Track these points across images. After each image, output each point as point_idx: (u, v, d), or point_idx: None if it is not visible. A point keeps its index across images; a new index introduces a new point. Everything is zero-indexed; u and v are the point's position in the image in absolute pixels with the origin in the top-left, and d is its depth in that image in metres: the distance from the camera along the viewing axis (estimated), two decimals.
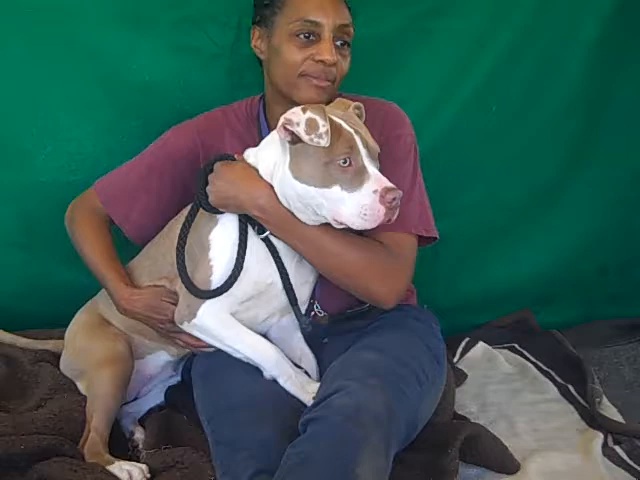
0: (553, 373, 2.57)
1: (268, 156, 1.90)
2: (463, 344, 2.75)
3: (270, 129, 2.09)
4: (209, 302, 1.93)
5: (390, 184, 1.74)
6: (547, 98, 2.72)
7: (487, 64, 2.65)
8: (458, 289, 2.82)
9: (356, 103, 1.93)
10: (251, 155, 1.96)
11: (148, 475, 1.94)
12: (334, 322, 2.12)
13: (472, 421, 2.21)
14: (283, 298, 1.98)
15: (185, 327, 1.98)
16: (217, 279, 1.91)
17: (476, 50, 2.63)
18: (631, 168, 2.87)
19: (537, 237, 2.87)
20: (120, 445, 2.11)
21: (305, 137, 1.74)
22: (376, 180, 1.75)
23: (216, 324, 1.95)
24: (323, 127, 1.73)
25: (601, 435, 2.16)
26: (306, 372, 2.01)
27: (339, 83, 2.07)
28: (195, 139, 2.17)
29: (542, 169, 2.78)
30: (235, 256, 1.90)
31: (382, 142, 1.93)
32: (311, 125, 1.74)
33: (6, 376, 2.31)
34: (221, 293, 1.90)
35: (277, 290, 1.97)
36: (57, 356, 2.35)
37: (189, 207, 2.02)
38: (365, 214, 1.74)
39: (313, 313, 2.11)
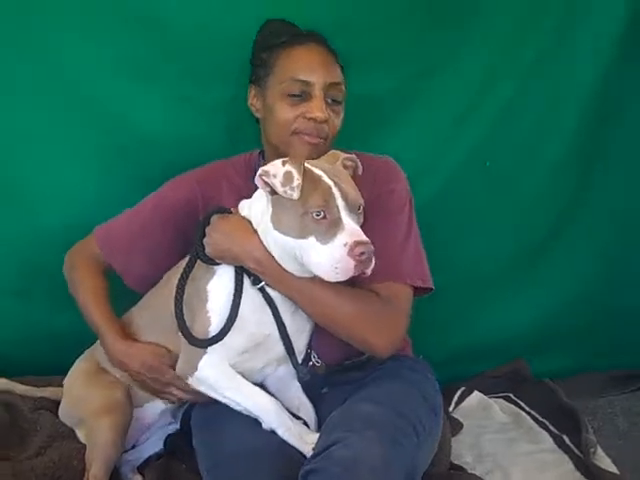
0: (548, 423, 2.58)
1: (258, 208, 1.94)
2: (458, 393, 2.76)
3: None
4: (209, 355, 1.95)
5: (361, 237, 1.75)
6: (540, 154, 2.78)
7: (481, 121, 2.71)
8: (453, 340, 2.85)
9: (348, 155, 1.96)
10: (245, 207, 2.01)
11: None
12: (332, 373, 2.13)
13: (468, 472, 2.23)
14: (280, 348, 2.00)
15: (189, 382, 1.99)
16: (215, 330, 1.94)
17: (470, 108, 2.69)
18: (621, 225, 2.93)
19: (530, 290, 2.91)
20: None
21: (280, 189, 1.78)
22: (349, 233, 1.76)
23: (217, 376, 1.96)
24: (296, 181, 1.77)
25: None
26: (305, 422, 2.02)
27: (332, 140, 2.12)
28: (195, 190, 2.21)
29: (534, 224, 2.84)
30: (231, 306, 1.93)
31: (374, 197, 2.01)
32: (287, 178, 1.78)
33: (6, 423, 2.31)
34: (218, 340, 1.92)
35: (274, 340, 1.99)
36: (56, 403, 2.35)
37: (187, 258, 2.04)
38: (336, 267, 1.76)
39: (311, 363, 2.13)
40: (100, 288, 2.22)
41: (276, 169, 1.80)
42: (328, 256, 1.77)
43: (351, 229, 1.77)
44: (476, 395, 2.76)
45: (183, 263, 2.05)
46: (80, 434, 2.21)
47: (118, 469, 2.17)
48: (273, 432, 1.93)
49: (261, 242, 1.91)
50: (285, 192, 1.78)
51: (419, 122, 2.67)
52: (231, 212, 2.02)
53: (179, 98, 2.52)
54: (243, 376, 1.98)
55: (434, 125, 2.68)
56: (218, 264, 1.97)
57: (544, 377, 2.85)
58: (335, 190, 1.80)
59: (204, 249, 1.97)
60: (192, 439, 2.10)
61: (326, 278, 1.80)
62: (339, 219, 1.78)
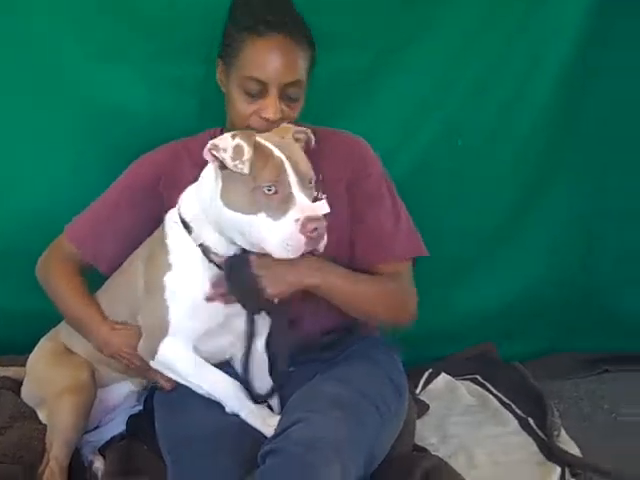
0: (514, 406, 2.58)
1: (207, 187, 1.89)
2: (426, 375, 2.76)
3: None
4: (169, 337, 1.93)
5: (314, 213, 1.72)
6: (511, 131, 2.76)
7: (452, 99, 2.70)
8: (420, 321, 2.74)
9: (299, 128, 1.92)
10: (192, 191, 1.96)
11: None
12: (300, 351, 2.10)
13: (432, 453, 2.22)
14: (242, 325, 1.97)
15: (151, 364, 1.98)
16: (173, 317, 1.92)
17: (441, 85, 2.68)
18: (594, 201, 2.92)
19: (500, 269, 2.89)
20: (79, 474, 2.09)
21: (230, 164, 1.73)
22: (300, 209, 1.72)
23: (177, 359, 1.95)
24: (247, 154, 1.73)
25: (559, 468, 2.18)
26: (269, 405, 2.01)
27: None
28: (159, 169, 2.18)
29: (504, 201, 2.82)
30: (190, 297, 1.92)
31: (353, 183, 2.08)
32: (238, 152, 1.73)
33: None
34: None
35: (235, 319, 1.96)
36: (18, 383, 2.33)
37: (148, 240, 2.04)
38: (287, 244, 1.73)
39: None
40: (77, 285, 2.17)
41: (226, 143, 1.74)
42: (279, 232, 1.73)
43: (303, 204, 1.73)
44: (443, 377, 2.76)
45: (145, 246, 2.05)
46: (41, 415, 2.19)
47: (79, 450, 2.15)
48: (236, 415, 1.92)
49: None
50: (235, 166, 1.73)
51: (390, 100, 2.64)
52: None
53: (150, 77, 2.49)
54: (210, 355, 1.98)
55: (405, 103, 2.65)
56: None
57: (513, 360, 2.86)
58: (287, 164, 1.76)
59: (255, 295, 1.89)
60: (154, 420, 2.08)
61: (276, 255, 1.76)
62: (291, 194, 1.74)
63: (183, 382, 1.97)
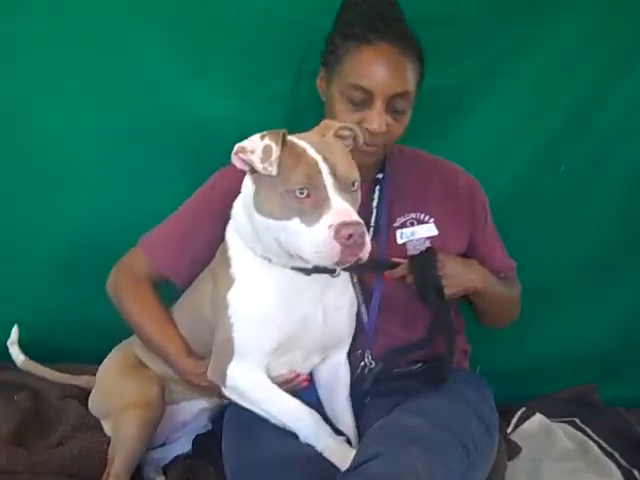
0: (617, 455, 2.35)
1: (244, 195, 1.81)
2: (518, 414, 2.54)
3: None
4: (236, 360, 1.82)
5: (350, 218, 1.56)
6: (618, 160, 2.56)
7: (555, 121, 2.52)
8: (515, 353, 2.63)
9: (343, 124, 1.79)
10: (239, 200, 1.87)
11: None
12: (378, 381, 1.97)
13: None
14: (314, 334, 1.85)
15: (224, 391, 1.86)
16: (239, 334, 1.81)
17: (544, 106, 2.50)
18: None
19: (602, 305, 2.67)
20: None
21: (259, 166, 1.62)
22: (335, 213, 1.57)
23: (248, 385, 1.83)
24: (274, 154, 1.61)
25: None
26: (347, 437, 1.86)
27: (391, 145, 1.99)
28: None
29: (609, 234, 2.62)
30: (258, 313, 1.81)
31: (473, 228, 2.10)
32: (267, 152, 1.61)
33: (30, 410, 2.23)
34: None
35: (306, 328, 1.84)
36: (86, 393, 2.27)
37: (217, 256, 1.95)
38: (319, 251, 1.58)
39: (363, 363, 2.00)
40: (154, 307, 2.08)
41: (254, 144, 1.64)
42: (312, 239, 1.59)
43: (339, 209, 1.58)
44: (538, 417, 2.53)
45: (214, 259, 1.96)
46: (106, 427, 2.12)
47: (141, 467, 2.06)
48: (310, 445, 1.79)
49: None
50: (265, 169, 1.62)
51: (484, 122, 2.48)
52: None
53: (236, 87, 2.42)
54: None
55: (500, 125, 2.49)
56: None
57: (615, 405, 2.63)
58: (322, 165, 1.62)
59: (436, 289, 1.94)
60: (222, 441, 1.97)
61: (313, 263, 1.64)
62: (326, 198, 1.59)
63: (257, 411, 1.84)
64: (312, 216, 1.58)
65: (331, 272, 1.80)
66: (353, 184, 1.65)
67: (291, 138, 1.68)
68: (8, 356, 2.44)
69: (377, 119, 1.87)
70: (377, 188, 2.04)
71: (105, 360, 2.23)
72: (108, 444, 2.00)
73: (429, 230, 2.01)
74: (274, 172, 1.61)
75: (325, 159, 1.62)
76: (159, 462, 2.13)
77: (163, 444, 2.16)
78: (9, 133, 2.48)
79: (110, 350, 2.26)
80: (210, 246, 2.00)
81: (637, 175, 2.58)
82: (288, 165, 1.62)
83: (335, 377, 1.96)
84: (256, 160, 1.62)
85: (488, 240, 2.14)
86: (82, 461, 1.98)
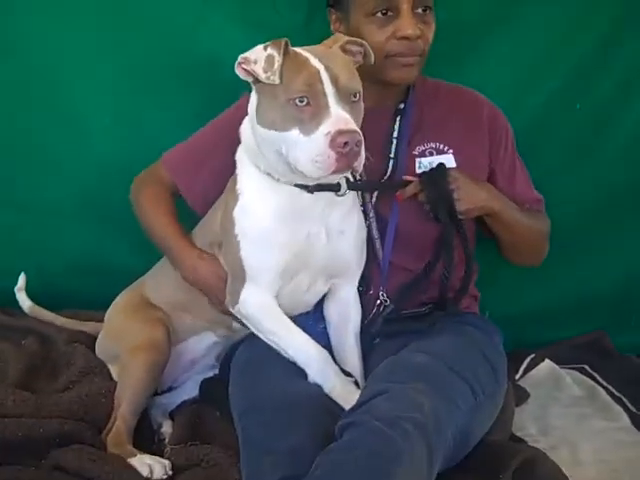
0: (626, 400, 2.33)
1: (250, 108, 1.81)
2: (527, 360, 2.52)
3: None
4: (249, 283, 1.83)
5: (346, 126, 1.56)
6: (636, 97, 2.49)
7: (574, 58, 2.45)
8: (525, 298, 2.58)
9: (353, 39, 1.78)
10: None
11: (170, 472, 1.81)
12: (388, 321, 1.97)
13: (530, 444, 2.01)
14: (320, 256, 1.86)
15: (235, 312, 1.90)
16: (246, 254, 1.83)
17: (564, 42, 2.43)
18: None
19: (617, 246, 2.61)
20: (147, 437, 1.99)
21: (262, 75, 1.63)
22: (333, 122, 1.57)
23: (259, 312, 1.86)
24: (277, 62, 1.60)
25: None
26: (355, 379, 1.85)
27: (427, 52, 1.95)
28: None
29: (623, 173, 2.55)
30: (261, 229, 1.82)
31: (493, 152, 2.07)
32: (270, 62, 1.62)
33: (38, 355, 2.24)
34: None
35: (311, 248, 1.84)
36: (93, 338, 2.27)
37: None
38: (317, 160, 1.58)
39: (379, 302, 1.99)
40: (167, 209, 2.12)
41: (257, 54, 1.64)
42: (308, 148, 1.60)
43: (337, 117, 1.58)
44: (547, 364, 2.52)
45: (227, 187, 1.97)
46: (113, 371, 2.12)
47: (148, 411, 2.06)
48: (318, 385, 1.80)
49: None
50: (268, 78, 1.62)
51: (508, 53, 2.42)
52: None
53: (248, 22, 2.37)
54: (292, 299, 1.90)
55: (523, 58, 2.42)
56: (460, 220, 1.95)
57: (627, 352, 2.59)
58: (324, 74, 1.62)
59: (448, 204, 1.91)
60: (229, 385, 1.95)
61: (308, 174, 1.63)
62: (326, 107, 1.59)
63: (267, 341, 1.86)
64: (311, 125, 1.59)
65: (335, 190, 1.80)
66: (355, 95, 1.65)
67: (295, 48, 1.67)
68: (16, 303, 2.46)
69: (409, 24, 1.85)
70: (398, 118, 2.02)
71: (113, 302, 2.24)
72: (115, 389, 2.00)
73: (447, 161, 1.98)
74: (277, 80, 1.62)
75: (327, 68, 1.62)
76: (166, 407, 2.12)
77: (170, 389, 2.16)
78: (21, 78, 2.47)
79: (115, 297, 2.25)
80: (226, 170, 2.00)
81: None
82: (290, 74, 1.62)
83: (345, 316, 1.97)
84: (259, 70, 1.63)
85: (510, 169, 2.11)
86: (89, 405, 1.96)
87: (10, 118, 2.52)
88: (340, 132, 1.54)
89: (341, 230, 1.87)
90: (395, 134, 2.01)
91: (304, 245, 1.83)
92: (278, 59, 1.61)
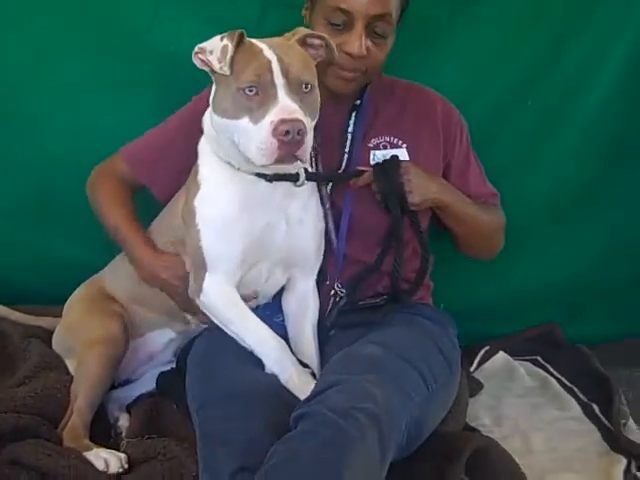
0: (577, 390, 2.38)
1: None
2: (482, 353, 2.56)
3: None
4: (210, 273, 1.85)
5: (290, 115, 1.59)
6: (586, 96, 2.53)
7: (527, 57, 2.49)
8: (479, 292, 2.62)
9: (316, 33, 1.81)
10: None
11: (126, 465, 1.81)
12: (343, 312, 1.99)
13: (484, 434, 2.04)
14: (279, 245, 1.88)
15: (198, 303, 1.90)
16: (207, 242, 1.85)
17: (518, 42, 2.47)
18: None
19: (567, 241, 2.67)
20: (103, 431, 1.99)
21: (216, 65, 1.67)
22: (278, 111, 1.60)
23: (220, 301, 1.87)
24: (229, 53, 1.65)
25: (624, 460, 1.99)
26: (312, 370, 1.87)
27: (375, 71, 1.98)
28: None
29: (574, 169, 2.60)
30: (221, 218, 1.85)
31: (451, 134, 2.10)
32: (224, 52, 1.66)
33: None
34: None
35: (270, 237, 1.86)
36: (49, 333, 2.25)
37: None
38: (261, 148, 1.62)
39: (333, 292, 2.01)
40: (125, 202, 2.12)
41: (213, 44, 1.68)
42: (254, 137, 1.63)
43: (283, 106, 1.61)
44: (501, 356, 2.57)
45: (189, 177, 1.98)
46: (70, 364, 2.10)
47: (105, 405, 2.06)
48: (274, 375, 1.81)
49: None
50: (221, 68, 1.66)
51: (463, 50, 2.46)
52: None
53: (206, 15, 2.36)
54: (251, 288, 1.92)
55: (478, 55, 2.47)
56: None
57: (578, 343, 2.63)
58: (275, 64, 1.65)
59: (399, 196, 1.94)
60: (186, 378, 1.96)
61: (255, 162, 1.67)
62: (274, 96, 1.63)
63: (227, 331, 1.87)
64: (258, 114, 1.62)
65: (294, 180, 1.83)
66: (306, 86, 1.67)
67: (252, 40, 1.70)
68: None
69: (357, 42, 1.87)
70: (354, 114, 2.04)
71: (72, 295, 2.23)
72: (71, 383, 1.99)
73: (401, 154, 2.00)
74: (227, 71, 1.65)
75: (280, 60, 1.65)
76: (123, 401, 2.12)
77: (127, 382, 2.16)
78: None
79: (72, 291, 2.24)
80: (186, 162, 2.00)
81: (607, 112, 2.55)
82: (241, 64, 1.65)
83: (303, 308, 1.98)
84: (214, 60, 1.67)
85: (464, 164, 2.13)
86: (44, 399, 1.95)
87: None
88: (283, 121, 1.57)
89: (300, 219, 1.89)
90: (350, 129, 2.03)
91: (263, 234, 1.85)
92: (231, 50, 1.63)
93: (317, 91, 1.72)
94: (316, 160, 2.00)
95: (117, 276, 2.13)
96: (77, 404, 1.92)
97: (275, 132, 1.58)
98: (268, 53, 1.66)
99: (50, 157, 2.50)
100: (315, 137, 1.81)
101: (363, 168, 1.99)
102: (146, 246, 2.00)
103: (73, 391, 1.96)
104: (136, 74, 2.44)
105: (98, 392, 1.96)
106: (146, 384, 2.16)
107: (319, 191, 1.99)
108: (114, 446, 1.91)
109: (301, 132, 1.59)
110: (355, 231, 2.00)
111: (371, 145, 2.04)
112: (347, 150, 2.02)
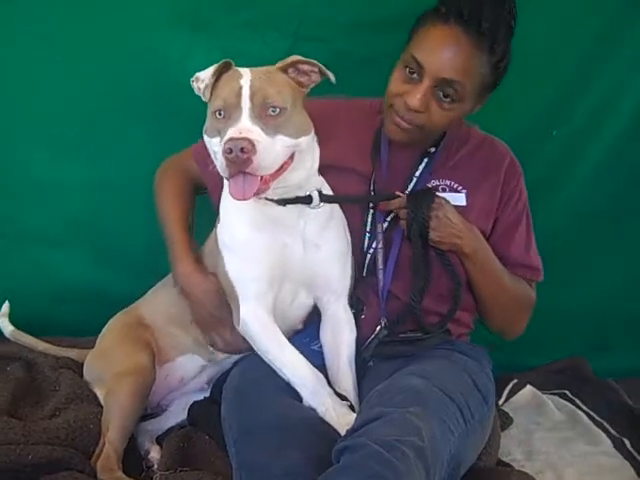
0: (607, 424, 2.36)
1: None
2: (510, 386, 2.56)
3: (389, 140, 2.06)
4: (243, 300, 1.88)
5: (239, 135, 1.63)
6: (611, 126, 2.56)
7: (552, 88, 2.53)
8: None
9: (308, 60, 1.83)
10: None
11: None
12: (382, 344, 1.98)
13: (519, 470, 2.01)
14: (296, 264, 1.90)
15: (242, 333, 1.92)
16: (233, 268, 1.91)
17: (541, 73, 2.49)
18: None
19: (596, 275, 2.68)
20: (134, 464, 1.97)
21: (199, 92, 1.79)
22: (232, 131, 1.65)
23: (256, 330, 1.88)
24: (208, 80, 1.76)
25: None
26: (349, 403, 1.85)
27: (434, 130, 1.97)
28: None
29: (602, 201, 2.62)
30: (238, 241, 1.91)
31: (505, 193, 2.07)
32: (206, 80, 1.78)
33: (24, 381, 2.21)
34: None
35: (288, 257, 1.89)
36: (79, 365, 2.25)
37: None
38: (220, 165, 1.68)
39: (379, 328, 2.00)
40: (184, 202, 2.15)
41: (206, 74, 1.79)
42: (217, 155, 1.70)
43: (238, 127, 1.66)
44: (529, 389, 2.55)
45: None
46: (99, 393, 2.10)
47: (135, 439, 2.05)
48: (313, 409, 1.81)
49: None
50: (203, 94, 1.79)
51: None
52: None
53: (235, 50, 2.34)
54: (278, 313, 1.93)
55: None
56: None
57: (606, 376, 2.63)
58: (246, 89, 1.71)
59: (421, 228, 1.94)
60: (220, 409, 1.94)
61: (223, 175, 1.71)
62: (237, 118, 1.68)
63: (266, 360, 1.88)
64: (224, 134, 1.67)
65: (307, 202, 1.87)
66: (274, 109, 1.70)
67: (238, 68, 1.79)
68: None
69: (417, 95, 1.88)
70: (425, 160, 2.05)
71: (108, 322, 2.24)
72: (102, 414, 1.98)
73: (458, 199, 2.02)
74: (205, 98, 1.78)
75: (252, 85, 1.71)
76: (153, 433, 2.11)
77: (158, 411, 2.16)
78: (2, 103, 2.48)
79: (102, 323, 2.24)
80: None
81: (632, 141, 2.57)
82: (217, 90, 1.76)
83: (338, 337, 1.98)
84: (201, 87, 1.78)
85: (512, 225, 2.09)
86: (77, 431, 1.94)
87: None
88: (229, 140, 1.62)
89: (316, 244, 1.91)
90: (417, 173, 2.05)
91: (281, 255, 1.88)
92: (211, 78, 1.75)
93: (292, 113, 1.75)
94: (374, 187, 2.03)
95: (156, 299, 2.17)
96: (109, 435, 1.91)
97: (223, 151, 1.64)
98: (244, 80, 1.72)
99: (81, 187, 2.54)
100: (376, 165, 1.96)
101: (398, 193, 2.00)
102: (188, 257, 2.03)
103: (104, 422, 1.96)
104: (166, 106, 2.47)
105: (129, 422, 1.96)
106: (177, 415, 2.16)
107: (372, 226, 2.01)
108: (146, 479, 1.90)
109: (245, 150, 1.62)
110: (402, 268, 2.00)
111: (430, 186, 2.03)
112: (408, 192, 2.02)
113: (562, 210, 2.61)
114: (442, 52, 1.86)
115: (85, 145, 2.52)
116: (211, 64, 2.33)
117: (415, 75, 1.89)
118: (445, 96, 1.89)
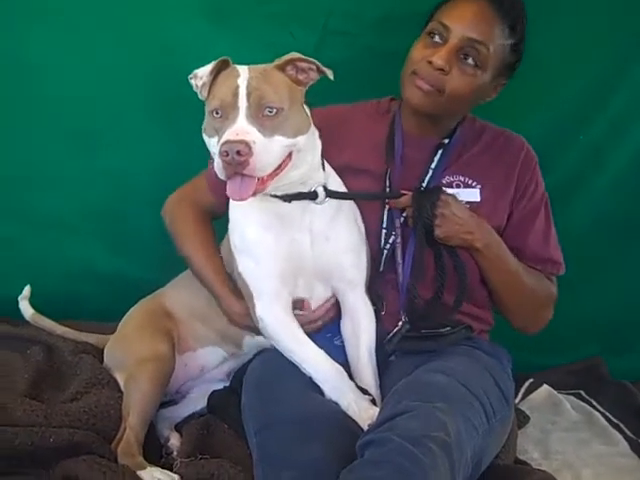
0: (623, 426, 2.37)
1: None
2: (526, 385, 2.56)
3: (403, 132, 2.08)
4: (258, 298, 1.88)
5: (235, 137, 1.62)
6: (634, 134, 2.55)
7: (577, 92, 2.52)
8: None
9: (307, 58, 1.81)
10: None
11: None
12: (404, 339, 1.97)
13: (538, 468, 2.01)
14: (306, 258, 1.90)
15: (262, 332, 1.93)
16: (245, 267, 1.91)
17: (567, 76, 2.50)
18: None
19: (614, 277, 2.68)
20: (154, 451, 1.97)
21: (197, 90, 1.76)
22: (229, 132, 1.64)
23: (275, 327, 1.88)
24: (205, 78, 1.74)
25: None
26: (371, 397, 1.85)
27: (452, 99, 1.95)
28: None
29: (620, 202, 2.61)
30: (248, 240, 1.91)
31: (519, 191, 2.06)
32: (203, 78, 1.75)
33: (44, 365, 2.21)
34: None
35: (298, 252, 1.89)
36: (99, 350, 2.25)
37: None
38: (217, 167, 1.66)
39: (400, 323, 1.98)
40: (206, 235, 2.13)
41: (204, 71, 1.76)
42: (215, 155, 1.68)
43: (234, 128, 1.65)
44: (545, 389, 2.56)
45: None
46: (119, 378, 2.10)
47: (155, 425, 2.05)
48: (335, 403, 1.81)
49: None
50: (200, 93, 1.76)
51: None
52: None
53: (261, 43, 2.38)
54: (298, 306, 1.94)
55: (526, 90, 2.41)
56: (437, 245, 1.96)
57: (622, 377, 2.63)
58: (242, 89, 1.69)
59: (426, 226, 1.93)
60: (240, 398, 1.96)
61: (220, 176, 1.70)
62: (234, 118, 1.67)
63: (286, 356, 1.88)
64: (221, 134, 1.66)
65: (312, 198, 1.86)
66: (271, 109, 1.69)
67: (236, 66, 1.76)
68: (16, 313, 2.43)
69: (443, 54, 1.90)
70: (440, 152, 2.05)
71: (131, 308, 2.24)
72: (122, 400, 1.99)
73: (472, 195, 2.01)
74: (202, 96, 1.75)
75: (248, 84, 1.69)
76: (172, 420, 2.11)
77: (178, 397, 2.17)
78: (24, 92, 2.49)
79: (120, 308, 2.26)
80: None
81: None
82: (214, 89, 1.73)
83: (358, 326, 1.97)
84: (200, 84, 1.75)
85: (527, 218, 2.07)
86: (98, 415, 1.94)
87: (12, 131, 2.54)
88: (225, 142, 1.61)
89: (326, 236, 1.91)
90: (433, 165, 2.04)
91: (290, 250, 1.88)
92: (208, 75, 1.73)
93: (289, 112, 1.72)
94: (390, 184, 2.02)
95: (180, 291, 2.16)
96: (130, 420, 1.92)
97: (220, 153, 1.62)
98: (241, 78, 1.70)
99: (100, 175, 2.56)
100: (390, 161, 1.95)
101: (405, 192, 1.99)
102: (231, 295, 2.00)
103: (125, 407, 1.96)
104: (186, 97, 2.44)
105: (150, 408, 1.97)
106: (196, 403, 2.16)
107: (393, 223, 2.01)
108: (166, 466, 1.90)
109: (242, 152, 1.60)
110: (419, 266, 2.00)
111: (444, 182, 2.03)
112: (424, 185, 2.02)
113: (582, 213, 2.61)
114: (468, 15, 1.91)
115: (103, 135, 2.53)
116: (236, 57, 2.39)
117: (439, 39, 1.91)
118: (467, 58, 1.91)
